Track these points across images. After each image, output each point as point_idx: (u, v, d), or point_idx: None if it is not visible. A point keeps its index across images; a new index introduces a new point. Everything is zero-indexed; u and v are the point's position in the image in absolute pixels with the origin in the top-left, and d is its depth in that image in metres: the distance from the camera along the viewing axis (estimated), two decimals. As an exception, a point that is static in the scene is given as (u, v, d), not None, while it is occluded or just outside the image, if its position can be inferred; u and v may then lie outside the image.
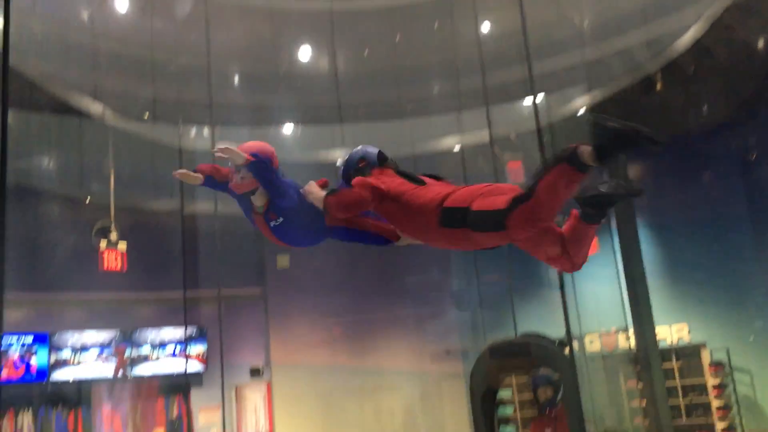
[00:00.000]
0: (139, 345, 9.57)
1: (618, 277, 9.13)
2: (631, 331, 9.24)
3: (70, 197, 8.76)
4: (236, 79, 8.83)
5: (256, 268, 10.03)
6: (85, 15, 7.14)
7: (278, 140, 10.01)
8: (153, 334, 9.66)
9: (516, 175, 8.57)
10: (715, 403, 9.61)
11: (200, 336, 9.84)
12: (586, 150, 2.35)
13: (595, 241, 9.32)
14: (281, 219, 3.09)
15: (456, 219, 2.68)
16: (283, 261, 9.26)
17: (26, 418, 8.85)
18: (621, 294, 9.03)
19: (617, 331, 9.79)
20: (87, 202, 8.73)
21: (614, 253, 9.19)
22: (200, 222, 9.00)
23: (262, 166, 2.98)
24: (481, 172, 9.42)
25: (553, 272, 7.88)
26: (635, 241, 9.50)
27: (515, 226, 2.54)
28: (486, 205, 2.60)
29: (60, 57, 7.42)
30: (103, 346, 9.35)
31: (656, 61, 8.42)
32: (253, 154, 2.94)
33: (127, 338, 9.51)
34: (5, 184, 3.38)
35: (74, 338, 9.24)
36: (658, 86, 8.82)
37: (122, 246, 7.20)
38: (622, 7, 8.13)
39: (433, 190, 2.86)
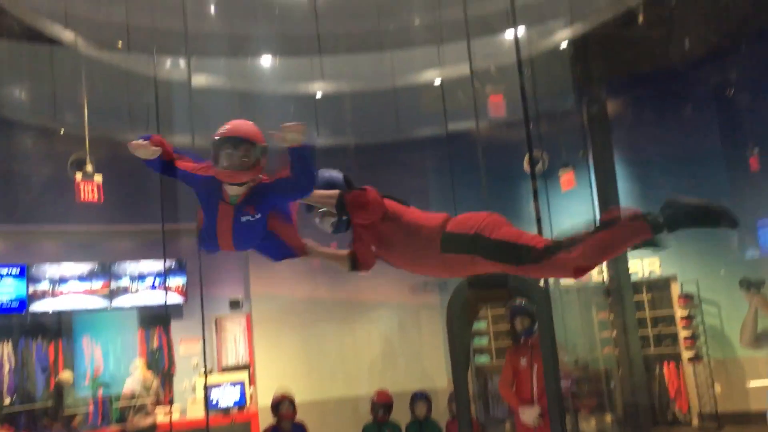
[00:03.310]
0: (118, 277, 9.59)
1: (594, 213, 9.25)
2: (604, 264, 9.43)
3: (43, 128, 8.59)
4: (212, 7, 8.60)
5: (235, 200, 9.99)
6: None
7: (255, 72, 9.84)
8: (132, 267, 9.67)
9: (497, 108, 8.53)
10: (683, 333, 9.94)
11: (179, 268, 9.87)
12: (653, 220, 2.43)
13: (571, 176, 9.44)
14: (258, 216, 2.66)
15: (461, 245, 2.62)
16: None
17: (6, 349, 8.90)
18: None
19: (592, 264, 9.97)
20: (61, 133, 8.57)
21: (591, 187, 9.28)
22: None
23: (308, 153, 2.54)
24: (460, 105, 9.36)
25: (529, 205, 7.95)
26: (612, 176, 9.59)
27: (539, 270, 2.58)
28: (509, 236, 2.57)
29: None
30: (82, 278, 9.36)
31: (638, -7, 8.34)
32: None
33: (106, 270, 9.51)
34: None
35: (52, 270, 9.23)
36: (640, 19, 8.75)
37: (98, 178, 7.13)
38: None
39: (430, 213, 2.78)
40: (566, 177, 9.34)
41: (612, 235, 2.48)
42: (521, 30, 8.00)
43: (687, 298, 9.84)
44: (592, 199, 9.31)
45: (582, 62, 9.32)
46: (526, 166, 8.71)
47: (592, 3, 8.66)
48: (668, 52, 8.89)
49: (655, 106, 9.60)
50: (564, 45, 9.05)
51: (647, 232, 2.46)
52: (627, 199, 9.74)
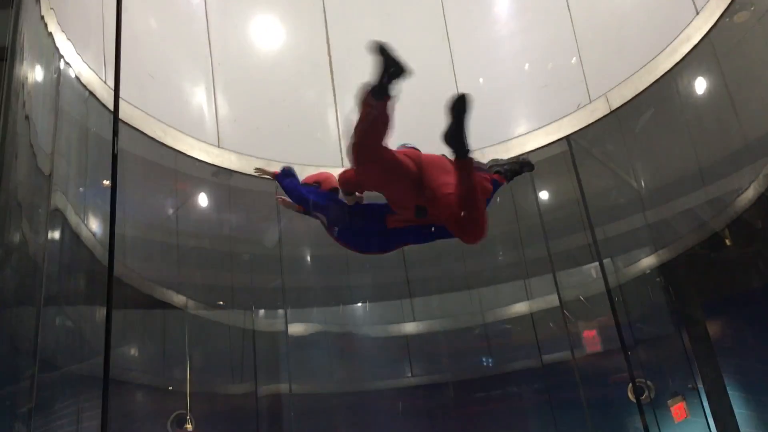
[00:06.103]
0: None
1: (715, 445, 8.59)
2: None
3: (151, 386, 8.97)
4: (308, 262, 9.23)
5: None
6: (170, 214, 7.76)
7: (352, 317, 10.20)
8: None
9: (592, 343, 8.46)
10: None
11: None
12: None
13: (683, 406, 8.94)
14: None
15: None
16: (359, 441, 9.10)
17: None
18: (722, 465, 8.44)
19: None
20: (169, 389, 8.92)
21: (706, 418, 8.69)
22: (275, 403, 9.04)
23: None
24: (553, 335, 9.31)
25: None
26: (726, 404, 8.98)
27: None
28: None
29: (146, 256, 7.99)
30: None
31: (721, 218, 8.40)
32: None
33: None
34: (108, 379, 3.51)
35: None
36: (727, 242, 8.73)
37: (199, 436, 7.27)
38: (679, 171, 8.29)
39: None
40: (677, 407, 8.82)
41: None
42: (606, 261, 8.11)
43: None
44: (709, 429, 8.69)
45: (673, 287, 9.22)
46: (630, 395, 8.37)
47: (674, 230, 8.76)
48: (759, 272, 8.73)
49: (758, 326, 9.22)
50: (652, 271, 9.05)
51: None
52: (748, 426, 9.02)
